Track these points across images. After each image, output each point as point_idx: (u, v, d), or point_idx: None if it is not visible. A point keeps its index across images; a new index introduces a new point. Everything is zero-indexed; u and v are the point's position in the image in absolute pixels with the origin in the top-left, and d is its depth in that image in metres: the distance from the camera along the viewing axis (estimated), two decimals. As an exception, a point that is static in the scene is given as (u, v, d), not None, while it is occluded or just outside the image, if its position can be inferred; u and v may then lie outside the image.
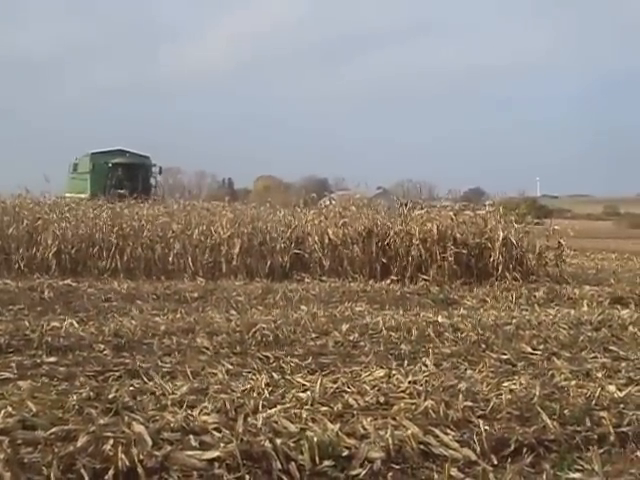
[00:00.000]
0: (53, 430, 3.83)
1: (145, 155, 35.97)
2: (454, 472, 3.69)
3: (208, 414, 4.26)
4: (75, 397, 4.52)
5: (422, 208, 15.27)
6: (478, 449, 3.97)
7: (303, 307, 9.18)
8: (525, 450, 4.04)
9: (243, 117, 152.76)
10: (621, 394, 5.11)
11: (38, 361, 5.72)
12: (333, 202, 16.42)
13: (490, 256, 13.90)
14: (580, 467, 3.88)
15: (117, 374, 5.36)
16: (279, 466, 3.61)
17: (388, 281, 12.89)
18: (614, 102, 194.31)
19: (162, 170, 36.90)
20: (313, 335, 7.26)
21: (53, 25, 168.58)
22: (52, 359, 5.80)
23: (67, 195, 27.18)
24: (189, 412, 4.28)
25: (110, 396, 4.64)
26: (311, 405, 4.57)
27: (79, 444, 3.63)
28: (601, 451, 4.10)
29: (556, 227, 15.94)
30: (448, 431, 4.17)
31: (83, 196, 27.89)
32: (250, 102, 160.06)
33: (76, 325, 7.15)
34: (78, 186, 33.99)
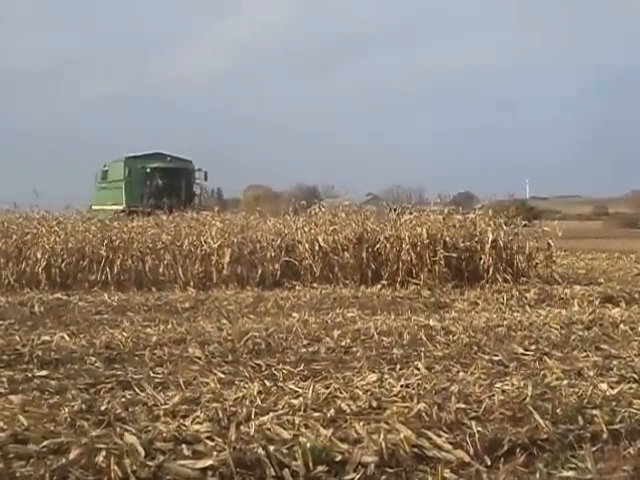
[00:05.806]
0: (45, 443, 3.82)
1: (187, 159, 31.44)
2: (447, 474, 3.69)
3: (200, 423, 4.25)
4: (67, 410, 4.50)
5: (411, 213, 15.28)
6: (471, 450, 3.97)
7: (294, 314, 9.17)
8: (518, 450, 4.04)
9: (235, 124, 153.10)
10: (613, 392, 5.13)
11: (29, 375, 5.68)
12: (323, 209, 16.35)
13: (480, 259, 13.95)
14: (573, 465, 3.89)
15: (109, 386, 5.34)
16: (273, 473, 3.61)
17: (379, 286, 12.86)
18: (604, 102, 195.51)
19: (207, 176, 31.56)
20: (305, 342, 7.26)
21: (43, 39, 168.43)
22: (43, 373, 5.78)
23: (95, 208, 23.99)
24: (181, 422, 4.27)
25: (102, 408, 4.63)
26: (304, 411, 4.56)
27: (71, 456, 3.62)
28: (594, 449, 4.10)
29: (545, 228, 15.98)
30: (441, 433, 4.17)
31: (117, 208, 24.62)
32: (240, 108, 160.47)
33: (67, 338, 7.12)
34: (109, 197, 29.58)
